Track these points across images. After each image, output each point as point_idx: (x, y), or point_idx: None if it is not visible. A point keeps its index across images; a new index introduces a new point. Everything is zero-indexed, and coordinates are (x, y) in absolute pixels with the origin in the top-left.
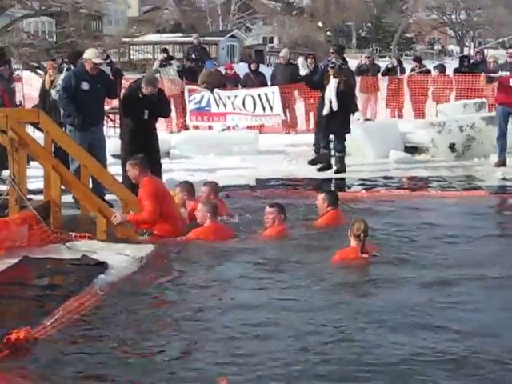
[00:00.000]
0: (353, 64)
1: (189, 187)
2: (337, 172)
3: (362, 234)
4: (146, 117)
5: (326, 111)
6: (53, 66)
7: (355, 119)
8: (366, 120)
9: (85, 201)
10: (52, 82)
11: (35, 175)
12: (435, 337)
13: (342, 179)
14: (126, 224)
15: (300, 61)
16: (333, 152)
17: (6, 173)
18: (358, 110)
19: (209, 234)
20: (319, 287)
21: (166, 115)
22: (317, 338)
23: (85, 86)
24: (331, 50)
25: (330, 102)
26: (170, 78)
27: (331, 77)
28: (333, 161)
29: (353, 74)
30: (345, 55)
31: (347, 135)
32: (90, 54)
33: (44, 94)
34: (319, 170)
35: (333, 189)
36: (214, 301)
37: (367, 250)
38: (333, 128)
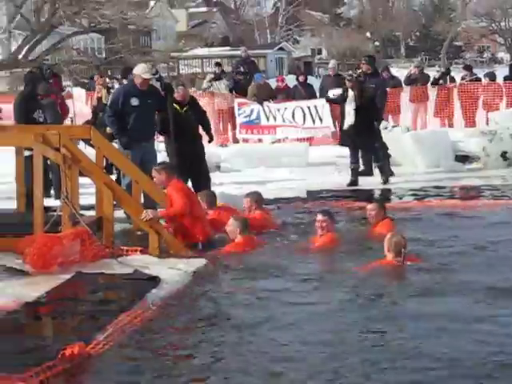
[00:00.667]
0: (402, 74)
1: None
2: (383, 183)
3: (402, 250)
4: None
5: (346, 125)
6: (100, 82)
7: (383, 128)
8: (394, 127)
9: (137, 217)
10: (99, 98)
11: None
12: None
13: (393, 189)
14: (158, 219)
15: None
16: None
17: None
18: (382, 119)
19: (240, 248)
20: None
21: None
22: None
23: (134, 101)
24: (362, 61)
25: (350, 115)
26: (221, 93)
27: (349, 90)
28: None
29: (383, 84)
30: (391, 66)
31: (396, 145)
32: (140, 70)
33: (95, 110)
34: (348, 185)
35: (383, 199)
36: (264, 315)
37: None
38: (359, 142)
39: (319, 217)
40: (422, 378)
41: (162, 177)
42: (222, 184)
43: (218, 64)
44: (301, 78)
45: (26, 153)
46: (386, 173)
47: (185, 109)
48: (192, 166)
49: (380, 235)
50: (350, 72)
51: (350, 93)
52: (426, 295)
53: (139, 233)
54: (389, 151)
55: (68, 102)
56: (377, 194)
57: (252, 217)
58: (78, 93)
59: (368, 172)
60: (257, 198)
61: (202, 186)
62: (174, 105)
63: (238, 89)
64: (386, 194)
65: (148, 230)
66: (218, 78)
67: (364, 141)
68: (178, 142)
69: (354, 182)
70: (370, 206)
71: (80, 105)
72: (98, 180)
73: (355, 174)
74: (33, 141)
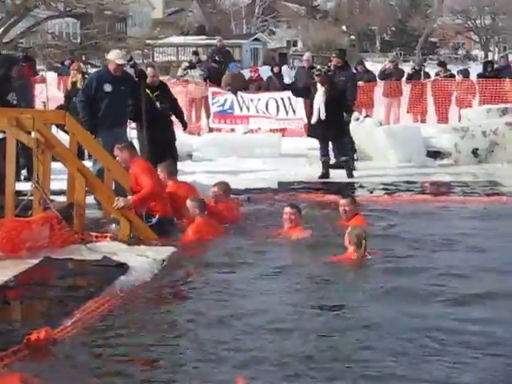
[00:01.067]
0: (376, 68)
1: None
2: (348, 177)
3: (363, 242)
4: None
5: (314, 119)
6: (74, 67)
7: (354, 119)
8: (366, 117)
9: (108, 204)
10: (74, 83)
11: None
12: None
13: (364, 183)
14: (130, 206)
15: (284, 69)
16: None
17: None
18: (353, 111)
19: (203, 230)
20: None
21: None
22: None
23: (107, 87)
24: (333, 55)
25: (319, 110)
26: (195, 81)
27: (318, 84)
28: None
29: (353, 77)
30: (366, 60)
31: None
32: (114, 55)
33: (68, 94)
34: (320, 177)
35: (354, 193)
36: (232, 306)
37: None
38: (329, 135)
39: (287, 209)
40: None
41: (124, 155)
42: (194, 173)
43: (195, 53)
44: (275, 69)
45: None
46: (350, 168)
47: (155, 93)
48: (163, 152)
49: None
50: (319, 67)
51: (320, 87)
52: (382, 288)
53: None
54: (360, 145)
55: (41, 86)
56: (348, 187)
57: (217, 207)
58: (52, 77)
59: (339, 164)
60: (224, 188)
61: None
62: (146, 90)
63: (213, 78)
64: (356, 188)
65: (119, 217)
66: (193, 66)
67: (334, 134)
68: (151, 128)
69: (325, 175)
70: (343, 201)
71: (52, 89)
72: (72, 166)
73: (326, 166)
74: (6, 124)
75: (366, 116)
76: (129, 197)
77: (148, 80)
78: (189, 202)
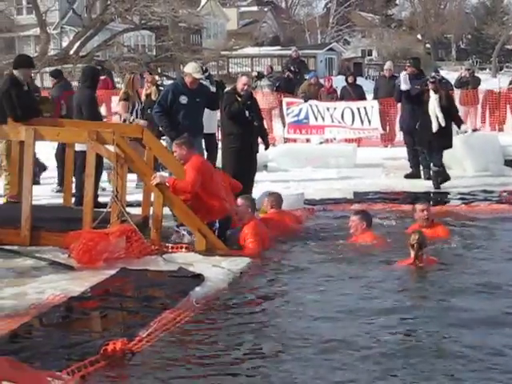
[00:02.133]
0: (452, 76)
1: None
2: (435, 187)
3: (415, 245)
4: (249, 118)
5: (435, 128)
6: (148, 79)
7: (462, 132)
8: (474, 131)
9: (185, 219)
10: (148, 95)
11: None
12: None
13: (441, 193)
14: (165, 184)
15: (402, 76)
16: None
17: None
18: (463, 122)
19: (260, 230)
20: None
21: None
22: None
23: (183, 99)
24: (407, 64)
25: (437, 118)
26: (263, 92)
27: (431, 92)
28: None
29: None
30: (442, 68)
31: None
32: (191, 69)
33: (143, 107)
34: (436, 187)
35: (431, 202)
36: (312, 312)
37: (423, 261)
38: (436, 144)
39: (353, 217)
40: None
41: (182, 151)
42: (269, 183)
43: (271, 67)
44: (350, 79)
45: (77, 147)
46: (442, 180)
47: (246, 103)
48: (248, 163)
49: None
50: (433, 74)
51: (433, 95)
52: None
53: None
54: None
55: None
56: (424, 197)
57: (269, 216)
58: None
59: (416, 174)
60: (276, 199)
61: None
62: (237, 97)
63: (285, 89)
64: (434, 198)
65: (194, 231)
66: (261, 76)
67: (441, 143)
68: (238, 137)
69: (443, 181)
70: (420, 206)
71: None
72: (149, 180)
73: (438, 175)
74: (87, 138)
75: (475, 130)
76: (169, 177)
77: (239, 87)
78: (240, 201)
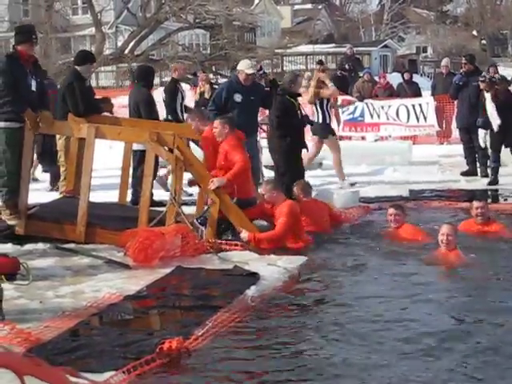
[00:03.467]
0: (509, 73)
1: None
2: (490, 184)
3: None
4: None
5: (496, 129)
6: (202, 78)
7: None
8: None
9: (240, 224)
10: (201, 93)
11: None
12: None
13: (497, 190)
14: (224, 185)
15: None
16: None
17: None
18: None
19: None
20: None
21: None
22: None
23: (238, 97)
24: (463, 61)
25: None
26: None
27: (484, 91)
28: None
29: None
30: (498, 64)
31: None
32: (243, 66)
33: (196, 105)
34: (489, 184)
35: (488, 200)
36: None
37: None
38: (505, 141)
39: (391, 210)
40: None
41: (224, 130)
42: (324, 181)
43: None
44: (406, 76)
45: (135, 146)
46: (497, 176)
47: (297, 102)
48: (297, 162)
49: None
50: (484, 73)
51: (486, 94)
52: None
53: None
54: None
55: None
56: (481, 195)
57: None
58: (184, 88)
59: (473, 171)
60: (304, 187)
61: None
62: (288, 97)
63: (341, 87)
64: (490, 195)
65: (241, 228)
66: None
67: (500, 139)
68: (289, 136)
69: (494, 181)
70: (477, 204)
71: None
72: (207, 183)
73: (496, 172)
74: (147, 138)
75: None
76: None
77: (293, 89)
78: (264, 185)
